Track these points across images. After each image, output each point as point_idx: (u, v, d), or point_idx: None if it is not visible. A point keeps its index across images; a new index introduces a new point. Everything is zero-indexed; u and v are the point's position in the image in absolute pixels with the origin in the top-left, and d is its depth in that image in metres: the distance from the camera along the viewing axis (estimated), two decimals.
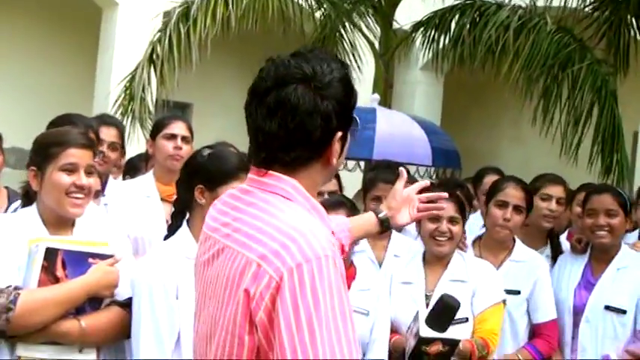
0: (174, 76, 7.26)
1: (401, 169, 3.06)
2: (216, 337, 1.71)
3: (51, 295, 2.46)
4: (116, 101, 7.53)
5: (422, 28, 7.97)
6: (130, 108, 7.33)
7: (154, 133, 4.05)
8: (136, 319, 2.60)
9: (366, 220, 2.62)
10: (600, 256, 3.87)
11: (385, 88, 8.01)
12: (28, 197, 2.70)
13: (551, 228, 4.21)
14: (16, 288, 2.43)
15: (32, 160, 2.66)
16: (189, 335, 2.54)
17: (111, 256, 2.60)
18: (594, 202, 3.84)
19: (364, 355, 3.33)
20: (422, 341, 3.24)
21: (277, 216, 1.67)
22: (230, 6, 7.26)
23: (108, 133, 3.96)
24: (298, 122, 1.67)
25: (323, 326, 1.54)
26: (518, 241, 3.93)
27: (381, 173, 4.59)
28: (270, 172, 1.73)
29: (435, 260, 3.60)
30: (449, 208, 3.47)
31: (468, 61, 7.44)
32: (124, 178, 4.69)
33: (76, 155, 2.60)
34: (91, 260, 2.56)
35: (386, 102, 7.93)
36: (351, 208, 3.46)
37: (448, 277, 3.55)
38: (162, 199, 3.85)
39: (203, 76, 8.43)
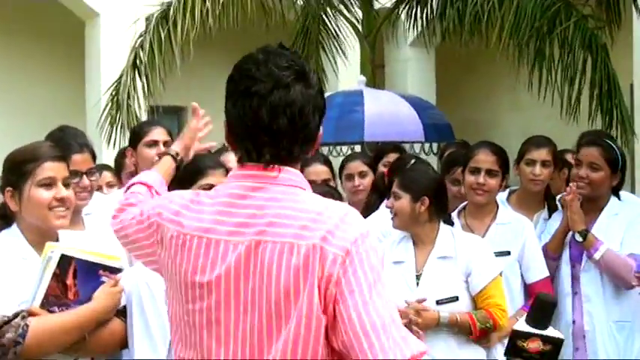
0: (159, 81, 7.19)
1: None
2: (282, 334, 1.74)
3: (60, 325, 2.47)
4: (103, 110, 7.47)
5: (403, 5, 7.85)
6: (117, 117, 7.28)
7: (135, 142, 3.99)
8: (129, 326, 2.66)
9: None
10: (588, 206, 3.89)
11: (373, 69, 7.93)
12: (5, 219, 2.66)
13: (546, 190, 4.17)
14: (23, 317, 2.41)
15: (6, 180, 2.63)
16: None
17: (120, 270, 2.61)
18: (581, 153, 3.93)
19: None
20: (517, 335, 3.17)
21: (311, 203, 1.80)
22: (208, 3, 7.16)
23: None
24: (304, 120, 1.80)
25: (380, 289, 1.73)
26: (501, 204, 4.00)
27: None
28: (282, 167, 1.83)
29: (422, 239, 3.57)
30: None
31: (456, 34, 7.36)
32: None
33: (52, 169, 2.59)
34: (101, 272, 2.57)
35: (375, 83, 7.84)
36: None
37: (436, 255, 3.52)
38: None
39: (191, 78, 8.32)
